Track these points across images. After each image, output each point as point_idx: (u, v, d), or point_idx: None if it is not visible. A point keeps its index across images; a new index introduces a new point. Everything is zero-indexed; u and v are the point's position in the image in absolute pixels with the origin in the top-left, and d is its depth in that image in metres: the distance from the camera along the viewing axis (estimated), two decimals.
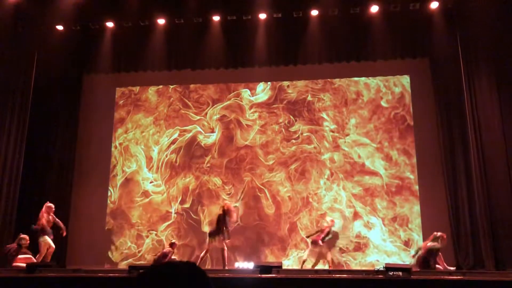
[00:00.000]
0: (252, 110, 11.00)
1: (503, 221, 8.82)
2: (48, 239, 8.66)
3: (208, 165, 10.81)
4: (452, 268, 8.10)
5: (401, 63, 10.66)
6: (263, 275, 6.16)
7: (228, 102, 11.13)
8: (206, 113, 11.11)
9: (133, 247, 10.54)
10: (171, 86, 11.41)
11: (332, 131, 10.61)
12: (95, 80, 11.56)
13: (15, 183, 9.92)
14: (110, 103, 11.47)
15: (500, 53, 9.46)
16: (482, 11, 9.41)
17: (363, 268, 9.36)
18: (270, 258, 10.02)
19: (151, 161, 11.03)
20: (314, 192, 10.35)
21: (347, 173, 10.36)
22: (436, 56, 10.23)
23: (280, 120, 10.82)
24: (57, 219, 8.89)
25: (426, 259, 7.75)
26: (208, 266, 10.03)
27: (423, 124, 10.31)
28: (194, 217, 10.54)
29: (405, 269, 5.87)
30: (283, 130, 10.76)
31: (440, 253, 7.91)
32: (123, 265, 10.24)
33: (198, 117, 11.11)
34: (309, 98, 10.85)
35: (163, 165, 10.97)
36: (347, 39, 10.60)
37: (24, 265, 7.37)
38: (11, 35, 10.32)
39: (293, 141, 10.67)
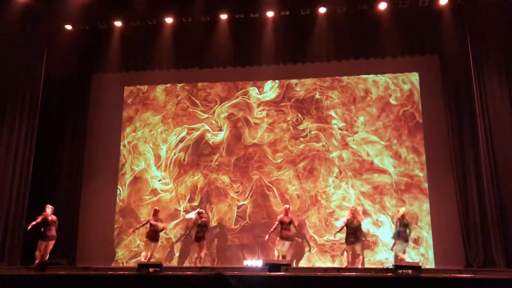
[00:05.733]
0: (260, 108, 10.99)
1: None
2: None
3: (216, 163, 10.82)
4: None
5: (410, 60, 10.58)
6: (272, 273, 6.16)
7: (236, 100, 11.13)
8: (214, 112, 11.13)
9: (142, 245, 10.56)
10: (179, 85, 11.43)
11: (341, 129, 10.56)
12: (104, 79, 11.62)
13: (26, 182, 10.00)
14: (119, 102, 11.53)
15: (510, 49, 9.35)
16: (492, 7, 9.32)
17: (373, 266, 9.33)
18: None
19: (160, 160, 11.07)
20: (322, 190, 10.33)
21: (356, 171, 10.31)
22: (446, 53, 10.14)
23: (288, 118, 10.80)
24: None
25: None
26: (216, 264, 10.06)
27: (432, 122, 10.23)
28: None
29: (415, 267, 5.84)
30: (291, 128, 10.74)
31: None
32: (132, 263, 10.30)
33: (206, 116, 11.13)
34: (317, 96, 10.81)
35: (172, 163, 11.01)
36: (355, 37, 10.54)
37: None
38: (20, 35, 10.39)
39: (301, 139, 10.65)
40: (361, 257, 8.83)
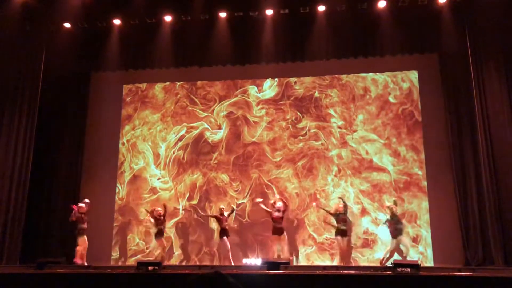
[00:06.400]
0: (259, 107, 10.99)
1: None
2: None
3: (216, 161, 10.82)
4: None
5: (409, 59, 10.57)
6: (271, 271, 6.17)
7: (235, 99, 11.12)
8: (213, 110, 11.12)
9: (141, 244, 10.59)
10: (178, 83, 11.42)
11: (340, 127, 10.57)
12: (103, 77, 11.62)
13: (25, 180, 9.99)
14: (118, 100, 11.52)
15: (509, 47, 9.36)
16: (491, 5, 9.32)
17: (371, 265, 9.34)
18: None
19: (159, 158, 11.06)
20: (321, 188, 10.33)
21: (355, 169, 10.32)
22: (445, 51, 10.14)
23: (287, 117, 10.80)
24: None
25: None
26: (216, 262, 10.06)
27: (431, 120, 10.24)
28: (202, 213, 10.56)
29: (414, 265, 5.84)
30: (290, 127, 10.74)
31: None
32: (131, 261, 10.30)
33: (205, 114, 11.12)
34: (317, 94, 10.81)
35: (171, 161, 11.00)
36: (354, 35, 10.52)
37: None
38: (19, 33, 10.37)
39: (301, 137, 10.65)
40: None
